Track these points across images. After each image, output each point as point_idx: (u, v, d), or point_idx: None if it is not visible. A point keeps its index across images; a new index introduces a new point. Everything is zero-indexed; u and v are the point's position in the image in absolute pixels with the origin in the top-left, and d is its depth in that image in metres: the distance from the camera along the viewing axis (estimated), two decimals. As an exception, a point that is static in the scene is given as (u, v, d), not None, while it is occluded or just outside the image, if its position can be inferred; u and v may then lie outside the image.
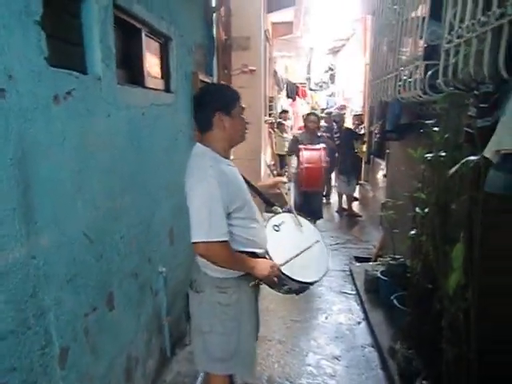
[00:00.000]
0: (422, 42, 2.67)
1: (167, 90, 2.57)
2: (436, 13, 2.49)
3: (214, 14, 3.62)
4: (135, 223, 2.02)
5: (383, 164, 5.70)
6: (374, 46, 4.90)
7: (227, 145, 1.71)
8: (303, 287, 1.90)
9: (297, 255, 1.83)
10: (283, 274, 1.74)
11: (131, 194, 1.97)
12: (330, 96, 12.86)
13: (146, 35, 2.23)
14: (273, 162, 8.30)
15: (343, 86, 11.50)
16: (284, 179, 2.35)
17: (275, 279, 1.73)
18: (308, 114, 5.08)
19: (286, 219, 2.01)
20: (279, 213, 2.04)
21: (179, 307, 2.70)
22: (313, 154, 4.47)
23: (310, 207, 4.52)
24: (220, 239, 1.51)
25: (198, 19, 3.21)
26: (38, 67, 1.26)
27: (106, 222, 1.71)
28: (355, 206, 7.05)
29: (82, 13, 1.61)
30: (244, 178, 1.86)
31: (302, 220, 2.07)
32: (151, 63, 2.37)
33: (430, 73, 2.45)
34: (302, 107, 13.24)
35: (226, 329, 1.69)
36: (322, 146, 4.55)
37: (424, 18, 2.57)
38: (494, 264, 1.84)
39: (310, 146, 4.52)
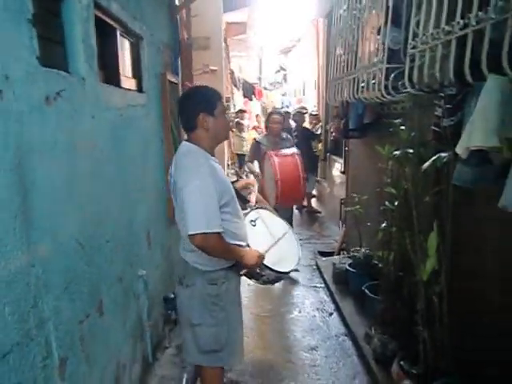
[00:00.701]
0: (382, 47, 2.85)
1: (140, 90, 2.52)
2: (396, 19, 2.68)
3: (178, 15, 3.58)
4: (119, 227, 1.97)
5: (340, 161, 5.95)
6: (331, 48, 5.08)
7: (212, 143, 1.79)
8: (279, 277, 2.05)
9: (274, 244, 2.00)
10: (265, 265, 1.86)
11: (114, 197, 1.93)
12: (284, 95, 13.12)
13: (121, 34, 2.18)
14: (231, 162, 8.36)
15: (296, 85, 11.79)
16: (253, 182, 2.46)
17: (257, 269, 1.85)
18: (270, 113, 4.25)
19: (260, 215, 2.16)
20: (254, 209, 2.19)
21: (158, 311, 2.67)
22: (287, 162, 3.69)
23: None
24: (217, 230, 1.59)
25: (165, 19, 3.17)
26: (31, 67, 1.21)
27: (93, 227, 1.67)
28: (313, 202, 7.29)
29: (63, 11, 1.55)
30: None
31: (274, 215, 2.27)
32: (125, 63, 2.32)
33: (393, 75, 2.63)
34: (255, 106, 13.38)
35: (216, 320, 1.75)
36: (294, 150, 3.89)
37: (386, 23, 2.74)
38: (463, 249, 2.03)
39: (281, 152, 3.78)
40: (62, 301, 1.36)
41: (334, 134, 5.94)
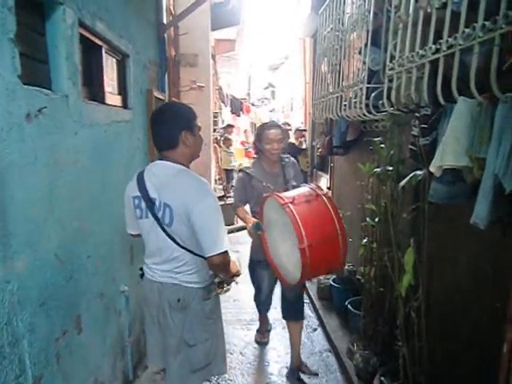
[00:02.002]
0: (363, 67, 2.94)
1: (125, 106, 2.55)
2: (376, 41, 2.79)
3: (165, 33, 3.65)
4: (100, 242, 1.97)
5: (326, 177, 6.03)
6: (316, 67, 5.20)
7: (190, 160, 1.76)
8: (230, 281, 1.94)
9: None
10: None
11: (96, 212, 1.93)
12: (271, 111, 13.28)
13: (106, 52, 2.22)
14: (218, 177, 8.38)
15: (283, 102, 11.97)
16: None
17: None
18: (263, 127, 2.64)
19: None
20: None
21: (139, 327, 2.64)
22: (314, 213, 2.11)
23: (285, 300, 2.67)
24: (226, 249, 1.60)
25: (152, 37, 3.22)
26: (12, 85, 1.23)
27: (74, 243, 1.66)
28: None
29: (48, 30, 1.58)
30: None
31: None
32: (110, 80, 2.35)
33: (373, 94, 2.72)
34: (243, 122, 13.51)
35: (209, 334, 1.75)
36: (312, 186, 2.30)
37: (366, 45, 2.84)
38: (439, 264, 2.08)
39: (297, 196, 2.13)
40: (37, 317, 1.35)
41: (320, 150, 6.04)
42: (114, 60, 2.43)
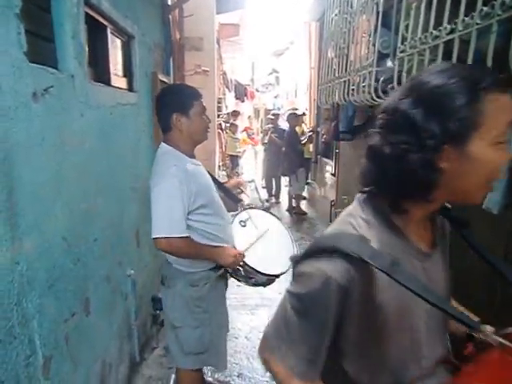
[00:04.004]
0: (373, 50, 2.88)
1: (131, 89, 2.51)
2: (386, 23, 2.72)
3: (170, 15, 3.58)
4: (107, 225, 1.96)
5: (331, 163, 5.99)
6: (323, 51, 5.11)
7: (189, 144, 1.75)
8: (270, 279, 1.96)
9: (256, 242, 1.92)
10: (248, 265, 1.81)
11: (103, 195, 1.92)
12: (276, 97, 13.17)
13: (112, 33, 2.18)
14: (222, 163, 8.35)
15: (288, 88, 11.84)
16: (243, 182, 2.39)
17: (241, 269, 1.81)
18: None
19: (252, 215, 2.09)
20: (246, 209, 2.11)
21: (146, 311, 2.66)
22: None
23: None
24: (180, 235, 1.57)
25: (157, 19, 3.16)
26: (18, 62, 1.20)
27: (81, 225, 1.65)
28: (304, 204, 7.32)
29: (53, 7, 1.54)
30: (212, 176, 1.93)
31: (268, 215, 2.18)
32: (116, 61, 2.31)
33: (382, 78, 2.66)
34: (247, 108, 13.41)
35: (199, 322, 1.74)
36: None
37: (376, 27, 2.77)
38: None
39: None
40: (46, 299, 1.34)
41: (324, 136, 5.98)
42: (120, 41, 2.39)
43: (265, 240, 2.01)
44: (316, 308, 0.74)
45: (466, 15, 1.62)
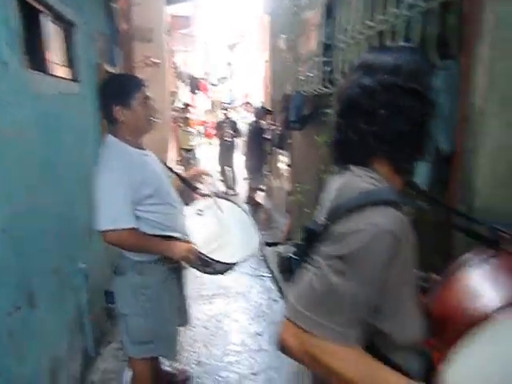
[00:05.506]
0: (318, 41, 2.98)
1: (73, 79, 2.44)
2: (329, 15, 2.82)
3: (116, 3, 3.49)
4: (54, 218, 1.91)
5: (286, 154, 6.11)
6: (274, 43, 5.18)
7: (135, 135, 1.73)
8: (229, 267, 1.96)
9: (219, 234, 1.92)
10: (204, 255, 1.79)
11: (47, 187, 1.86)
12: (231, 91, 13.15)
13: (51, 20, 2.10)
14: (179, 159, 8.24)
15: (243, 80, 11.87)
16: (207, 171, 2.38)
17: (196, 260, 1.78)
18: None
19: (210, 203, 2.09)
20: (206, 197, 2.09)
21: (100, 305, 2.62)
22: None
23: None
24: (126, 226, 1.57)
25: (100, 7, 3.07)
26: None
27: (23, 217, 1.60)
28: (262, 196, 7.42)
29: (-18, -9, 1.48)
30: (166, 166, 1.93)
31: (228, 203, 2.17)
32: (56, 50, 2.24)
33: (327, 69, 2.77)
34: (203, 101, 13.29)
35: (145, 310, 1.74)
36: None
37: (321, 20, 2.87)
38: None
39: None
40: (-14, 292, 1.30)
41: (279, 127, 6.05)
42: (60, 29, 2.31)
43: (224, 227, 2.02)
44: (370, 264, 0.72)
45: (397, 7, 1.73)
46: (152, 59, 4.83)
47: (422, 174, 1.51)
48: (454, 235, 1.20)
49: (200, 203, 2.05)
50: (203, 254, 1.79)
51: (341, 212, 0.77)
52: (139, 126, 1.71)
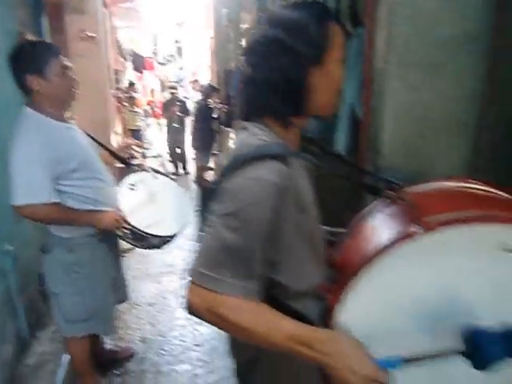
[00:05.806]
0: (256, 14, 2.98)
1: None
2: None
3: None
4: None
5: (233, 131, 6.10)
6: (217, 19, 5.09)
7: (56, 106, 1.64)
8: (163, 241, 1.96)
9: (145, 201, 1.93)
10: (134, 227, 1.78)
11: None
12: (181, 69, 12.79)
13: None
14: (130, 141, 7.96)
15: (191, 59, 11.58)
16: (137, 143, 2.37)
17: (126, 231, 1.79)
18: None
19: (143, 177, 2.05)
20: (138, 171, 2.06)
21: (34, 287, 2.52)
22: None
23: None
24: (43, 201, 1.52)
25: (20, -29, 2.84)
26: None
27: None
28: (210, 174, 7.40)
29: None
30: (93, 138, 1.87)
31: (161, 177, 2.15)
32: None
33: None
34: (150, 81, 12.81)
35: (78, 288, 1.71)
36: None
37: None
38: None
39: None
40: None
41: (224, 104, 6.00)
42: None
43: (157, 201, 2.01)
44: (258, 216, 0.75)
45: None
46: (87, 33, 4.56)
47: (340, 138, 1.58)
48: (363, 193, 1.27)
49: (132, 177, 2.02)
50: (133, 226, 1.79)
51: (230, 169, 0.79)
52: (59, 96, 1.63)
